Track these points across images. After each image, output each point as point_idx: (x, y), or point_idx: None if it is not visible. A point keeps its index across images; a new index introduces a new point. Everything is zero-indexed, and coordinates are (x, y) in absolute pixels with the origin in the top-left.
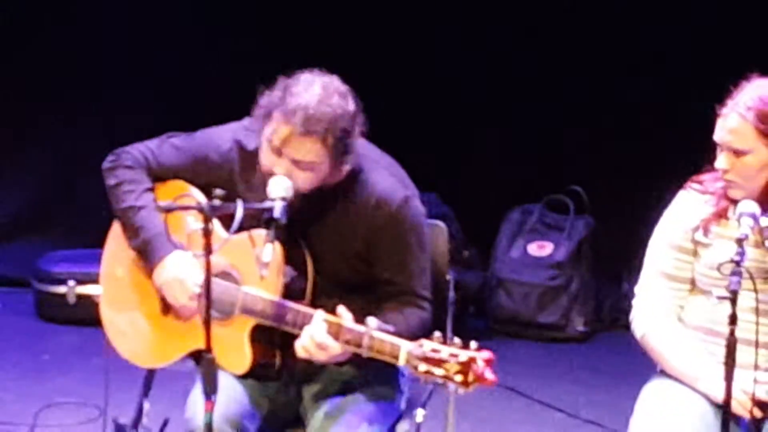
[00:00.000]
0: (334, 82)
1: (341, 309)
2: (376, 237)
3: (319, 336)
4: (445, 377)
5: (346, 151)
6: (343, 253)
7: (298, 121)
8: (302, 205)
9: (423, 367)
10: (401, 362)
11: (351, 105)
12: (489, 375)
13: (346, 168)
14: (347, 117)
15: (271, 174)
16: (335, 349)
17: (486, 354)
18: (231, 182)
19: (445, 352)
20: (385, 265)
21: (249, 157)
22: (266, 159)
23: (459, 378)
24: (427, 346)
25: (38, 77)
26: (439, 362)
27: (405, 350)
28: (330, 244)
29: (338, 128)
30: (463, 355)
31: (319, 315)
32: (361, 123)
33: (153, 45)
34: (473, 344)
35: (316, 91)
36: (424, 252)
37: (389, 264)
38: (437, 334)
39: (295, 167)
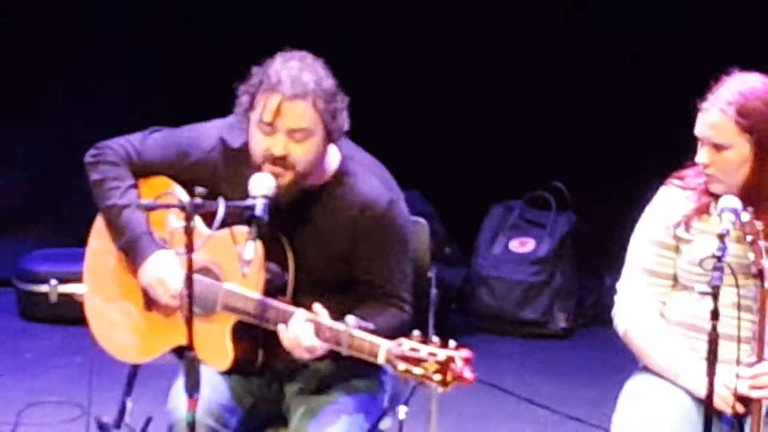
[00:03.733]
0: (309, 57)
1: (317, 306)
2: (360, 239)
3: (306, 340)
4: (424, 376)
5: (335, 120)
6: (325, 253)
7: (286, 87)
8: (287, 204)
9: (402, 365)
10: (380, 360)
11: (329, 75)
12: (467, 374)
13: (336, 156)
14: (328, 82)
15: (267, 158)
16: (320, 349)
17: (465, 353)
18: (214, 179)
19: (423, 351)
20: (367, 267)
21: (233, 155)
22: (260, 144)
23: (438, 377)
24: (406, 345)
25: (21, 76)
26: (417, 361)
27: (384, 348)
28: (313, 244)
29: (325, 91)
30: (442, 354)
31: (301, 315)
32: (343, 98)
33: (142, 43)
34: (452, 343)
35: (294, 63)
36: (407, 255)
37: (372, 266)
38: (416, 332)
39: (291, 140)
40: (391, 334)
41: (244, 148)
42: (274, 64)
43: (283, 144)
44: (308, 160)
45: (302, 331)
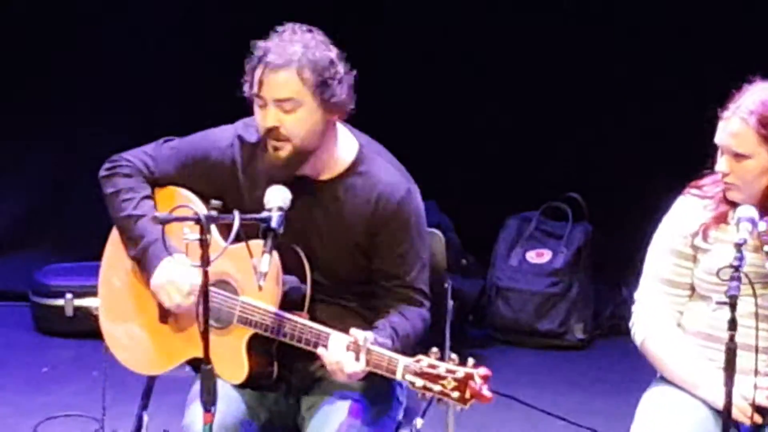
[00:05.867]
0: (307, 29)
1: (355, 331)
2: (378, 228)
3: (349, 367)
4: (442, 393)
5: (328, 89)
6: (343, 245)
7: (270, 57)
8: (304, 196)
9: (420, 382)
10: (398, 377)
11: (329, 46)
12: (486, 392)
13: (332, 124)
14: (321, 52)
15: (263, 131)
16: (362, 374)
17: (483, 370)
18: (233, 178)
19: (442, 368)
20: (385, 257)
21: (251, 149)
22: (257, 118)
23: (456, 394)
24: (424, 361)
25: (33, 90)
26: (436, 378)
27: (402, 365)
28: (330, 237)
29: (313, 60)
30: (461, 372)
31: (342, 341)
32: (346, 70)
33: (149, 57)
34: (470, 361)
35: (286, 34)
36: (424, 245)
37: (391, 256)
38: (434, 349)
39: (280, 111)
40: (418, 338)
41: (260, 143)
42: (268, 37)
43: (273, 115)
44: (302, 131)
45: (345, 358)
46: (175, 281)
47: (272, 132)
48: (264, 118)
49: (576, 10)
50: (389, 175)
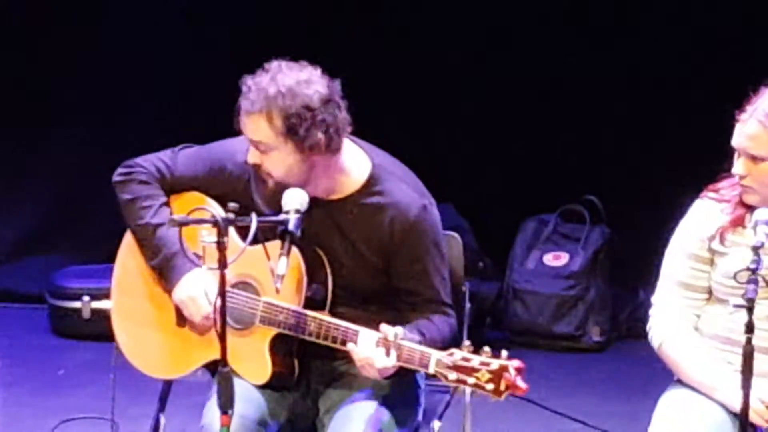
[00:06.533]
0: (304, 70)
1: (385, 327)
2: (396, 248)
3: (379, 362)
4: (477, 386)
5: (298, 135)
6: (362, 264)
7: (245, 99)
8: (318, 216)
9: (453, 375)
10: (431, 370)
11: (311, 89)
12: (521, 383)
13: (322, 159)
14: (297, 97)
15: (253, 165)
16: (392, 369)
17: (517, 362)
18: (246, 192)
19: (476, 360)
20: (406, 276)
21: None
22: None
23: (491, 386)
24: (457, 354)
25: (47, 93)
26: (470, 371)
27: (435, 359)
28: (349, 256)
29: (283, 108)
30: (495, 364)
31: (371, 337)
32: (330, 111)
33: (162, 61)
34: (504, 353)
35: (272, 73)
36: (443, 259)
37: (411, 274)
38: (467, 342)
39: (256, 150)
40: (445, 342)
41: None
42: (260, 72)
43: (253, 153)
44: (281, 170)
45: (376, 353)
46: (197, 301)
47: (255, 167)
48: (248, 155)
49: (597, 10)
50: (403, 193)
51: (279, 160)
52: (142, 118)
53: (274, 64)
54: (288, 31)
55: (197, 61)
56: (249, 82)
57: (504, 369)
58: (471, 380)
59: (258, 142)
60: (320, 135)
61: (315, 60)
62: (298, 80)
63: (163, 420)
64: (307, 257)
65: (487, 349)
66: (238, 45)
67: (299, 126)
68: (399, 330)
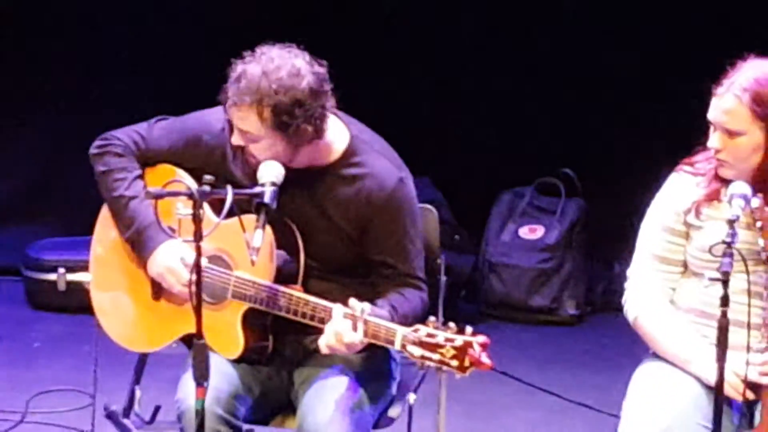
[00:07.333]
0: (294, 59)
1: (353, 301)
2: (371, 220)
3: (347, 336)
4: (441, 362)
5: (288, 128)
6: (336, 234)
7: (233, 90)
8: (293, 185)
9: (418, 351)
10: (397, 346)
11: (301, 83)
12: (485, 359)
13: (308, 147)
14: (288, 93)
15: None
16: (360, 345)
17: (482, 338)
18: (223, 163)
19: (440, 336)
20: (380, 247)
21: None
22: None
23: (455, 363)
24: (422, 331)
25: (27, 66)
26: (434, 347)
27: (400, 335)
28: (323, 226)
29: (272, 102)
30: (459, 340)
31: (339, 311)
32: (319, 103)
33: (148, 36)
34: (468, 329)
35: (261, 63)
36: (418, 232)
37: (385, 246)
38: (432, 318)
39: (242, 137)
40: (416, 315)
41: None
42: (249, 58)
43: (238, 137)
44: (267, 155)
45: (343, 327)
46: (175, 270)
47: (240, 149)
48: (233, 137)
49: None
50: (380, 165)
51: (267, 148)
52: (119, 94)
53: (264, 51)
54: (264, 8)
55: (191, 47)
56: (239, 68)
57: (468, 345)
58: (436, 356)
59: (246, 131)
60: (309, 128)
61: (292, 36)
62: (289, 73)
63: (138, 392)
64: (279, 231)
65: (452, 324)
66: (213, 25)
67: (289, 121)
68: (366, 306)
